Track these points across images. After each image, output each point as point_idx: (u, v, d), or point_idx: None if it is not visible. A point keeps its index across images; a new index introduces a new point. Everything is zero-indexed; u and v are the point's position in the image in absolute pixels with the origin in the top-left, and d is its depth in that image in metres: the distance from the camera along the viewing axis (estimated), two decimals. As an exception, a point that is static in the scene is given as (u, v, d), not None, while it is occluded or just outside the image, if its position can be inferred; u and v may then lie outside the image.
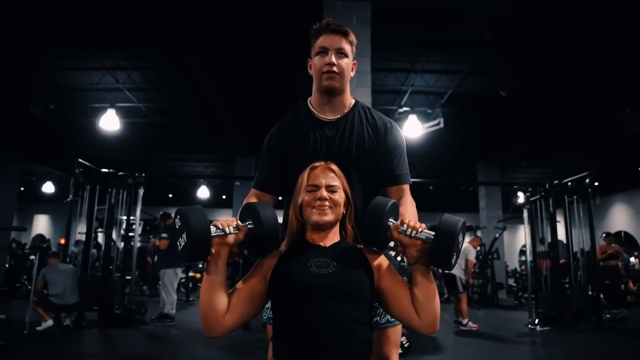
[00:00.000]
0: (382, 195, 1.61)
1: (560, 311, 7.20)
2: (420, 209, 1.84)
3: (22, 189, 15.55)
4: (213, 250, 1.39)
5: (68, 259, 7.52)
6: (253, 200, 1.74)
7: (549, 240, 7.93)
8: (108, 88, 9.36)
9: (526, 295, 9.61)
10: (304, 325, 1.33)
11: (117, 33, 7.27)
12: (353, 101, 1.85)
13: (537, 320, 7.07)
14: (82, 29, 7.16)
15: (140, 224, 8.26)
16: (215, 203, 19.28)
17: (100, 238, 8.80)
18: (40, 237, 19.67)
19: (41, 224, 20.62)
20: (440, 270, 8.38)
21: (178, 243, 1.40)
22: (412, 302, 1.41)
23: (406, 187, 1.80)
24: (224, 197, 19.30)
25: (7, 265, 11.52)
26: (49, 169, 15.20)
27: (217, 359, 4.93)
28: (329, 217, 1.50)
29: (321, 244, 1.51)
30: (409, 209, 1.73)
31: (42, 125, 10.96)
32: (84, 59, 8.31)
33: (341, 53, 1.73)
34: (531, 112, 9.92)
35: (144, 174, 7.56)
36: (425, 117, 9.97)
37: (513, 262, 18.71)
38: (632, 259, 14.36)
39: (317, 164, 1.60)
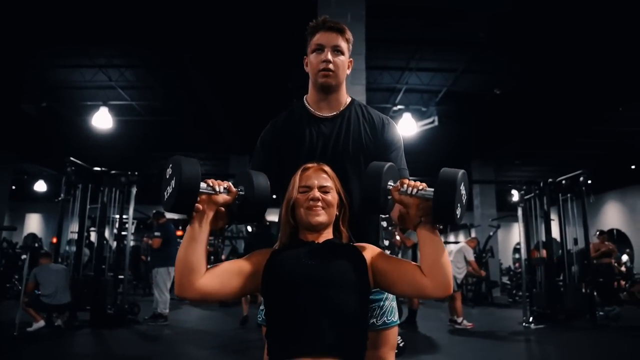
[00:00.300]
0: None
1: (554, 309, 7.22)
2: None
3: (13, 187, 15.42)
4: (200, 207, 1.36)
5: (60, 259, 7.45)
6: None
7: (543, 239, 7.95)
8: (101, 86, 9.29)
9: (520, 293, 9.65)
10: (296, 314, 1.30)
11: (110, 31, 7.22)
12: (349, 99, 1.84)
13: (531, 318, 7.08)
14: (74, 27, 7.10)
15: (133, 223, 8.20)
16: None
17: (93, 237, 8.72)
18: (32, 236, 19.52)
19: (33, 223, 20.47)
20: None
21: (165, 192, 1.37)
22: (418, 270, 1.37)
23: None
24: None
25: (-2, 265, 11.40)
26: (40, 168, 15.07)
27: (211, 358, 4.89)
28: (322, 217, 1.48)
29: (314, 241, 1.50)
30: None
31: (34, 123, 10.88)
32: (76, 56, 8.24)
33: (337, 50, 1.72)
34: (525, 110, 9.95)
35: (136, 173, 7.50)
36: (420, 115, 9.97)
37: (507, 260, 18.78)
38: (623, 257, 14.44)
39: (310, 165, 1.58)
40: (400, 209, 1.45)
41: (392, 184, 1.44)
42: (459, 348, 5.59)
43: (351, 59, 1.80)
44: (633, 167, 14.19)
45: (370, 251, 1.47)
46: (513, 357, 5.33)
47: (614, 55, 7.52)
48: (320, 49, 1.71)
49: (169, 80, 9.22)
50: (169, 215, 7.52)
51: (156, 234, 7.02)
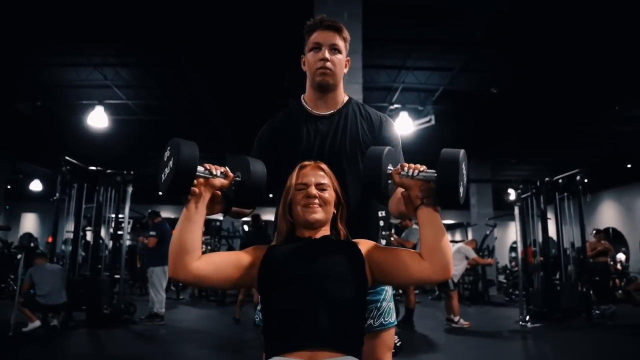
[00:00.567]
0: None
1: (550, 308, 7.23)
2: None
3: (8, 187, 15.35)
4: (196, 190, 1.36)
5: (56, 258, 7.40)
6: None
7: (540, 238, 7.95)
8: (96, 85, 9.25)
9: (517, 292, 9.67)
10: (293, 308, 1.30)
11: (106, 29, 7.19)
12: (347, 97, 1.84)
13: (528, 317, 7.09)
14: (70, 25, 7.06)
15: (129, 222, 8.16)
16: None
17: (89, 236, 8.68)
18: (28, 235, 19.43)
19: (29, 223, 20.38)
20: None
21: (162, 173, 1.37)
22: (416, 255, 1.36)
23: None
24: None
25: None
26: (36, 167, 15.03)
27: (208, 358, 4.87)
28: (319, 215, 1.48)
29: (311, 237, 1.49)
30: None
31: (29, 122, 10.81)
32: (71, 55, 8.20)
33: (335, 49, 1.72)
34: (522, 109, 9.96)
35: (132, 172, 7.47)
36: (417, 114, 9.97)
37: (503, 259, 18.82)
38: (619, 255, 14.50)
39: (307, 163, 1.58)
40: (402, 192, 1.44)
41: (392, 168, 1.43)
42: (455, 347, 5.60)
43: (348, 57, 1.80)
44: (629, 166, 14.24)
45: (365, 245, 1.46)
46: (510, 355, 5.33)
47: (611, 54, 7.54)
48: (317, 47, 1.71)
49: (165, 79, 9.19)
50: (164, 215, 7.49)
51: (151, 233, 6.99)
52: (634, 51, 7.31)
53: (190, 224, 1.35)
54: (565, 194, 7.99)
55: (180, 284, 11.26)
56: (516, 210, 8.03)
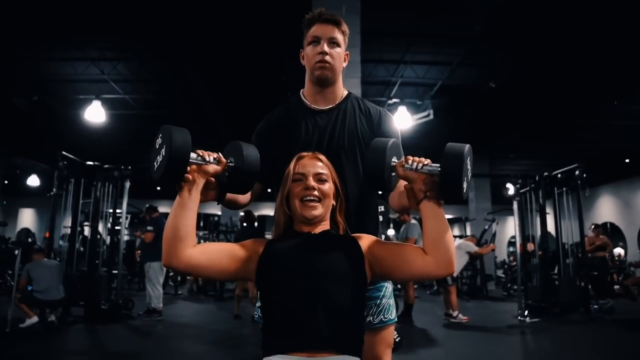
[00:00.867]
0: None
1: (549, 302, 7.24)
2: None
3: (5, 182, 15.31)
4: (190, 177, 1.34)
5: (53, 254, 7.39)
6: None
7: (539, 232, 7.96)
8: (93, 79, 9.20)
9: (515, 286, 9.69)
10: (292, 307, 1.28)
11: (102, 23, 7.14)
12: (346, 92, 1.82)
13: (526, 312, 7.10)
14: (66, 19, 7.01)
15: (127, 218, 8.13)
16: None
17: (87, 232, 8.66)
18: (25, 231, 19.41)
19: (26, 218, 20.36)
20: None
21: (155, 161, 1.35)
22: (419, 250, 1.35)
23: None
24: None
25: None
26: (33, 162, 14.95)
27: (206, 354, 4.86)
28: (318, 211, 1.45)
29: (310, 232, 1.47)
30: None
31: (26, 117, 10.75)
32: (68, 49, 8.15)
33: (334, 42, 1.70)
34: (521, 104, 9.94)
35: (130, 167, 7.44)
36: (415, 108, 9.94)
37: (502, 254, 18.86)
38: (616, 250, 14.52)
39: (305, 153, 1.55)
40: (405, 185, 1.42)
41: (396, 160, 1.41)
42: (454, 342, 5.60)
43: (347, 51, 1.78)
44: (627, 160, 14.25)
45: (366, 240, 1.44)
46: (508, 350, 5.34)
47: (609, 49, 7.52)
48: (316, 41, 1.70)
49: (162, 74, 9.14)
50: (162, 210, 7.47)
51: (149, 228, 6.97)
52: (633, 46, 7.29)
53: (184, 210, 1.33)
54: (564, 188, 7.99)
55: (179, 279, 11.25)
56: (515, 205, 8.02)
